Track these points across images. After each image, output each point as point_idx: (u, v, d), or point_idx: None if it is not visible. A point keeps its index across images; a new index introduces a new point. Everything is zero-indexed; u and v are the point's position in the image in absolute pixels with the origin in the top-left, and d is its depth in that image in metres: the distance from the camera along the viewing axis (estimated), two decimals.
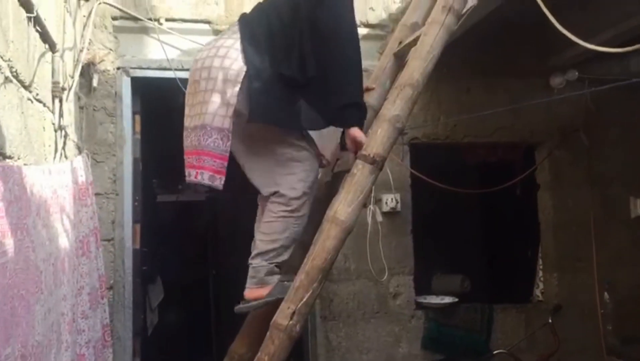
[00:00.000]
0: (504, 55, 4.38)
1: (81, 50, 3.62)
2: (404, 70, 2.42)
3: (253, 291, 2.36)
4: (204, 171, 2.28)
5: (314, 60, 2.26)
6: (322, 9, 2.23)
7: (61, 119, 2.77)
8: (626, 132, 4.75)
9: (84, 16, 3.78)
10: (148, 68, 4.06)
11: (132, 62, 4.04)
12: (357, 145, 2.29)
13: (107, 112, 3.95)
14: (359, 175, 2.24)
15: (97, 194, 3.64)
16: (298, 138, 2.38)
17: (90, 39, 3.83)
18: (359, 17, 4.38)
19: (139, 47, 4.08)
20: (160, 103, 4.40)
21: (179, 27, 4.13)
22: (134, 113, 4.07)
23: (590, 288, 4.60)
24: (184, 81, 3.99)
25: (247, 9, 4.18)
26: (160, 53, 4.04)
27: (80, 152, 3.35)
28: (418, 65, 2.34)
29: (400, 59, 2.98)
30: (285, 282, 2.29)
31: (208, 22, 4.20)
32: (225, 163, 2.28)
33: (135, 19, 4.04)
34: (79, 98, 3.59)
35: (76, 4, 3.52)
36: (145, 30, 4.08)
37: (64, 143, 2.79)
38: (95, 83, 3.82)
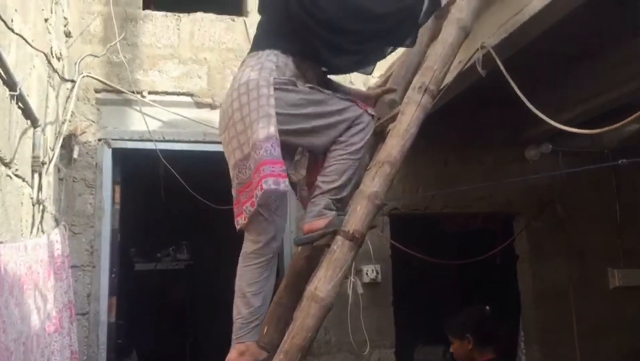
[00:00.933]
0: (480, 127, 4.50)
1: (63, 123, 3.65)
2: (383, 147, 2.47)
3: (312, 224, 2.40)
4: (268, 179, 2.26)
5: None
6: None
7: (40, 193, 2.75)
8: (600, 203, 4.84)
9: (68, 89, 3.83)
10: (130, 139, 4.10)
11: (113, 134, 4.07)
12: None
13: (86, 183, 3.94)
14: (339, 252, 2.24)
15: (73, 267, 3.57)
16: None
17: (72, 111, 3.87)
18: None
19: (121, 119, 4.12)
20: (140, 173, 4.41)
21: (162, 99, 4.19)
22: (114, 183, 4.07)
23: (571, 360, 4.57)
24: (164, 152, 4.07)
25: (230, 83, 4.31)
26: (142, 125, 4.08)
27: (57, 225, 3.31)
28: (396, 143, 2.39)
29: (379, 135, 3.05)
30: (343, 216, 2.31)
31: (191, 95, 4.28)
32: (284, 167, 2.31)
33: (118, 91, 4.10)
34: (58, 170, 3.59)
35: (60, 78, 3.57)
36: (127, 103, 4.14)
37: (42, 217, 2.77)
38: (76, 154, 3.83)
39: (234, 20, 4.45)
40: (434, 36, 3.16)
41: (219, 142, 4.19)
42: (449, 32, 2.53)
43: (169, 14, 4.33)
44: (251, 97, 2.34)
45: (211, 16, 4.41)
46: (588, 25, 2.92)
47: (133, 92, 4.09)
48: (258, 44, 2.54)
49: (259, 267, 2.40)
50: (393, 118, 2.66)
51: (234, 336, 2.39)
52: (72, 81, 3.89)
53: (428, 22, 3.26)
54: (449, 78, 2.80)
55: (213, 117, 4.28)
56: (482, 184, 4.19)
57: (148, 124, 4.09)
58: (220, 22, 4.43)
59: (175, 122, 4.21)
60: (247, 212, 2.36)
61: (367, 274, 4.33)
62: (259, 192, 2.27)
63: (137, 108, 4.11)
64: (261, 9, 2.66)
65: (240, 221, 2.40)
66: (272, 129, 2.30)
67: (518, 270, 4.90)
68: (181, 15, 4.35)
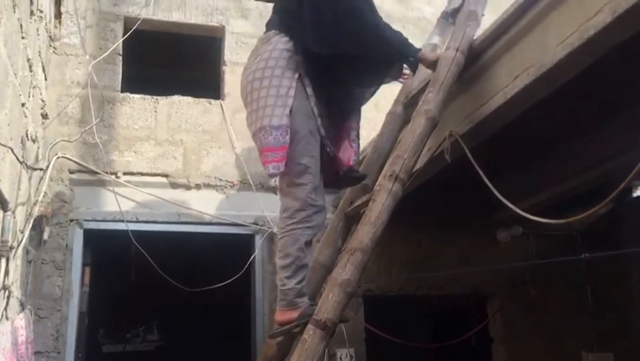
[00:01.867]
0: (453, 209, 4.57)
1: (35, 204, 3.62)
2: (354, 234, 2.50)
3: (284, 314, 2.50)
4: (269, 165, 2.55)
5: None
6: None
7: (6, 278, 2.69)
8: (571, 285, 4.88)
9: (42, 169, 3.83)
10: (102, 220, 4.07)
11: (86, 215, 4.04)
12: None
13: (55, 265, 3.87)
14: (310, 341, 2.21)
15: (37, 353, 3.45)
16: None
17: (45, 192, 3.85)
18: None
19: (94, 200, 4.11)
20: (112, 254, 4.36)
21: (137, 180, 4.20)
22: (84, 265, 4.01)
23: None
24: (138, 232, 4.04)
25: (205, 164, 4.35)
26: (116, 205, 4.07)
27: (23, 309, 3.22)
28: (367, 231, 2.42)
29: (352, 219, 3.09)
30: (315, 306, 2.35)
31: (166, 176, 4.30)
32: (285, 152, 2.53)
33: (93, 172, 4.11)
34: (27, 252, 3.52)
35: (34, 160, 3.57)
36: (102, 183, 4.13)
37: (7, 303, 2.70)
38: (46, 236, 3.78)
39: (210, 103, 4.56)
40: (404, 123, 3.28)
41: (194, 223, 4.22)
42: (418, 122, 2.61)
43: (146, 96, 4.41)
44: (273, 83, 2.60)
45: (188, 99, 4.51)
46: (555, 112, 3.04)
47: (108, 173, 4.09)
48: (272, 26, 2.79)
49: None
50: (365, 204, 2.70)
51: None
52: (46, 165, 3.88)
53: (399, 110, 3.41)
54: (420, 163, 2.88)
55: (188, 197, 4.30)
56: (453, 271, 4.22)
57: (122, 205, 4.08)
58: (197, 104, 4.53)
59: (150, 203, 4.20)
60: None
61: (341, 358, 4.24)
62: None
63: (111, 189, 4.11)
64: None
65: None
66: (285, 119, 2.55)
67: (493, 352, 4.85)
68: (159, 98, 4.43)
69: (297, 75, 2.64)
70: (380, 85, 3.01)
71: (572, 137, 3.70)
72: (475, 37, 2.77)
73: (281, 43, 2.68)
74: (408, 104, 3.35)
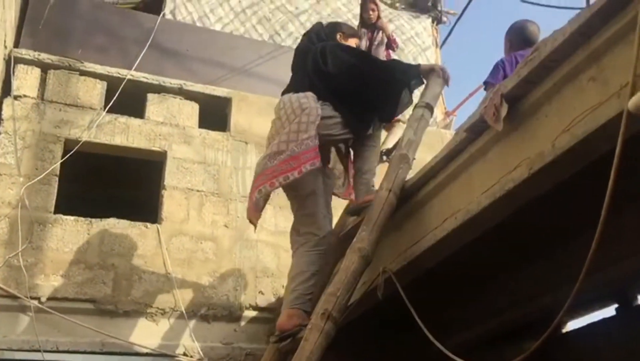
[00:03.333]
0: (387, 347, 4.50)
1: None
2: None
3: (292, 317, 3.00)
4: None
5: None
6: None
7: None
8: None
9: None
10: (18, 350, 3.80)
11: (2, 343, 3.77)
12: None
13: None
14: None
15: None
16: None
17: None
18: (248, 300, 4.50)
19: (12, 327, 3.86)
20: None
21: (62, 306, 4.00)
22: None
23: None
24: None
25: (137, 289, 4.21)
26: (35, 333, 3.82)
27: None
28: None
29: None
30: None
31: (93, 301, 4.11)
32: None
33: (14, 297, 3.89)
34: None
35: None
36: (22, 309, 3.91)
37: None
38: None
39: (147, 227, 4.49)
40: (339, 256, 3.31)
41: (119, 353, 4.00)
42: (351, 260, 2.65)
43: (80, 218, 4.32)
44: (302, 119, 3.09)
45: (124, 222, 4.44)
46: (487, 251, 3.14)
47: (30, 298, 3.88)
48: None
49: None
50: (299, 340, 2.65)
51: (287, 305, 3.06)
52: None
53: (335, 243, 3.46)
54: (354, 298, 2.88)
55: (114, 325, 4.10)
56: None
57: (42, 333, 3.84)
58: (132, 228, 4.45)
59: (73, 331, 3.98)
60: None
61: None
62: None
63: (31, 315, 3.88)
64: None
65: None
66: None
67: None
68: (93, 220, 4.34)
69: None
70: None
71: (505, 274, 3.81)
72: (407, 179, 2.91)
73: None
74: (344, 237, 3.41)
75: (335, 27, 3.63)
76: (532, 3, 2.34)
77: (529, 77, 2.04)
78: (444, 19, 8.19)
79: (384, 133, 4.10)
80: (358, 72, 3.26)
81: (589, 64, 1.84)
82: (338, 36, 3.55)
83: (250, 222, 3.25)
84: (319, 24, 3.69)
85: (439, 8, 8.23)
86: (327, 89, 3.22)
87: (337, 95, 3.21)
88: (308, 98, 3.15)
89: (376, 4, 5.38)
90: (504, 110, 2.13)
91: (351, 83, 3.24)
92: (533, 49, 2.08)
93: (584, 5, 1.97)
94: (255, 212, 3.18)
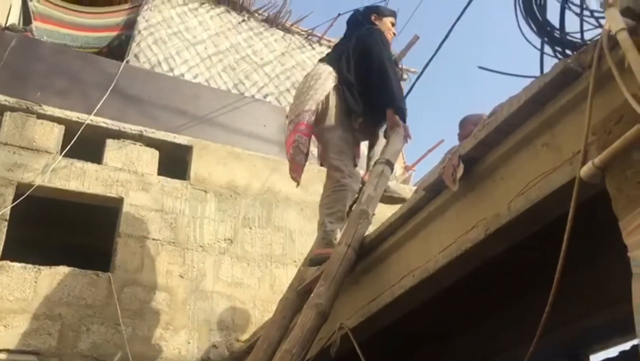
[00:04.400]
0: None
1: None
2: None
3: (323, 249, 3.17)
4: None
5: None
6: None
7: None
8: None
9: None
10: None
11: None
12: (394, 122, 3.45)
13: None
14: None
15: None
16: None
17: None
18: (201, 354, 4.36)
19: None
20: None
21: (2, 358, 3.79)
22: None
23: None
24: None
25: (84, 341, 4.04)
26: None
27: None
28: None
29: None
30: None
31: (36, 354, 3.92)
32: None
33: None
34: None
35: None
36: None
37: None
38: None
39: (98, 276, 4.34)
40: (297, 311, 3.26)
41: None
42: (308, 316, 2.61)
43: (28, 265, 4.15)
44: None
45: (74, 270, 4.28)
46: (445, 308, 3.13)
47: None
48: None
49: None
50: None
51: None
52: None
53: (292, 297, 3.41)
54: (310, 354, 2.82)
55: None
56: None
57: None
58: (83, 276, 4.30)
59: None
60: None
61: None
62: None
63: None
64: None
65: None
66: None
67: None
68: (42, 267, 4.18)
69: None
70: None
71: (462, 331, 3.81)
72: (366, 235, 2.91)
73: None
74: (301, 292, 3.37)
75: (369, 9, 4.04)
76: (487, 70, 2.43)
77: (485, 139, 2.10)
78: (405, 76, 8.41)
79: None
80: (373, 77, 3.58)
81: (543, 130, 1.91)
82: (373, 17, 3.92)
83: (294, 179, 3.54)
84: (357, 10, 4.08)
85: (399, 65, 8.46)
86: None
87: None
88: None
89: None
90: (460, 171, 2.17)
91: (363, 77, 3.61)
92: (490, 112, 2.14)
93: (538, 73, 2.04)
94: (296, 169, 3.47)
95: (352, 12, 4.08)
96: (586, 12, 1.96)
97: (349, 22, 4.04)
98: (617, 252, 1.56)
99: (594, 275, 2.61)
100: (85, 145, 4.72)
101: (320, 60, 3.91)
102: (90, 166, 4.70)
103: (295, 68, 7.91)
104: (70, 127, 4.78)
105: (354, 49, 3.69)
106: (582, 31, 1.99)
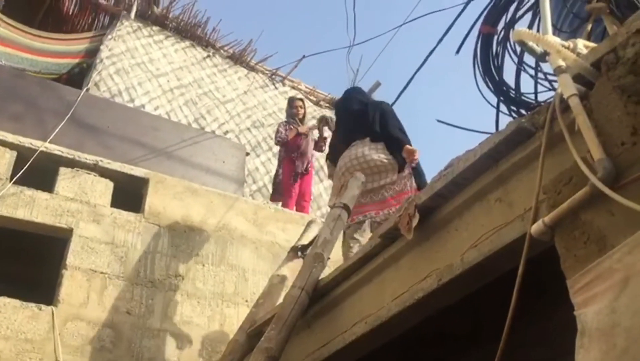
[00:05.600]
0: None
1: None
2: None
3: None
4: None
5: None
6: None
7: None
8: None
9: None
10: None
11: None
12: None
13: None
14: None
15: None
16: None
17: None
18: None
19: None
20: None
21: None
22: None
23: None
24: None
25: None
26: None
27: None
28: None
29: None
30: None
31: None
32: None
33: None
34: None
35: None
36: None
37: None
38: None
39: (40, 309, 4.16)
40: (246, 353, 3.20)
41: None
42: (257, 360, 2.56)
43: None
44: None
45: (15, 302, 4.10)
46: (397, 356, 3.12)
47: None
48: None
49: None
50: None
51: None
52: None
53: (242, 339, 3.35)
54: None
55: None
56: None
57: None
58: (24, 309, 4.11)
59: None
60: None
61: None
62: None
63: None
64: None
65: None
66: None
67: None
68: None
69: None
70: None
71: None
72: (320, 278, 2.90)
73: None
74: (252, 334, 3.32)
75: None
76: (446, 124, 2.53)
77: (441, 191, 2.14)
78: None
79: None
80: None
81: (496, 185, 1.96)
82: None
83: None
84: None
85: None
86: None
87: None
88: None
89: (303, 102, 5.62)
90: (415, 220, 2.21)
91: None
92: (447, 165, 2.20)
93: (494, 130, 2.12)
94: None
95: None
96: (540, 75, 2.05)
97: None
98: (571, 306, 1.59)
99: (549, 329, 2.66)
100: (38, 173, 4.59)
101: None
102: (40, 194, 4.56)
103: (256, 107, 7.96)
104: (23, 154, 4.65)
105: None
106: (536, 92, 2.08)
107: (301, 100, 5.89)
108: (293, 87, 8.68)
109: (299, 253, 3.83)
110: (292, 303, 2.75)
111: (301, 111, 5.82)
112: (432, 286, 2.13)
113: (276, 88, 8.46)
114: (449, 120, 2.63)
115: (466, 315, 2.63)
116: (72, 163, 4.85)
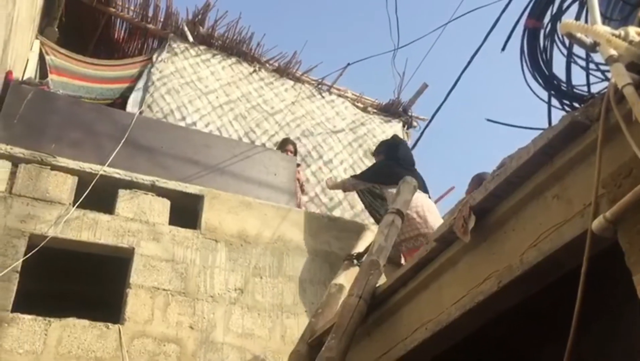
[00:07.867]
0: None
1: None
2: None
3: None
4: None
5: None
6: None
7: None
8: None
9: None
10: None
11: None
12: None
13: None
14: None
15: None
16: None
17: None
18: None
19: None
20: None
21: None
22: None
23: None
24: None
25: None
26: None
27: None
28: None
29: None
30: None
31: None
32: None
33: None
34: None
35: None
36: None
37: None
38: None
39: (108, 328, 4.31)
40: None
41: None
42: None
43: (38, 318, 4.12)
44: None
45: (84, 322, 4.25)
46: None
47: None
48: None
49: None
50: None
51: None
52: None
53: (304, 350, 3.36)
54: None
55: None
56: None
57: None
58: (93, 328, 4.26)
59: None
60: None
61: None
62: None
63: None
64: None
65: None
66: None
67: None
68: (52, 319, 4.15)
69: None
70: None
71: None
72: (377, 285, 2.88)
73: None
74: (313, 344, 3.32)
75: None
76: (495, 122, 2.47)
77: (495, 191, 2.10)
78: (414, 123, 8.50)
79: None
80: None
81: (552, 182, 1.91)
82: None
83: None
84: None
85: (410, 113, 8.56)
86: None
87: None
88: None
89: (294, 145, 6.54)
90: (471, 222, 2.17)
91: None
92: (499, 164, 2.15)
93: (546, 126, 2.06)
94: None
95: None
96: (592, 66, 1.99)
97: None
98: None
99: (615, 328, 2.56)
100: (98, 196, 4.76)
101: None
102: (102, 216, 4.73)
103: (305, 117, 8.01)
104: (83, 178, 4.84)
105: None
106: (588, 84, 2.01)
107: (292, 144, 6.69)
108: (340, 95, 8.69)
109: (355, 261, 3.83)
110: (351, 312, 2.74)
111: (290, 154, 6.47)
112: (492, 288, 2.08)
113: (323, 97, 8.49)
114: (497, 118, 2.57)
115: (523, 321, 2.56)
116: (130, 185, 5.01)
